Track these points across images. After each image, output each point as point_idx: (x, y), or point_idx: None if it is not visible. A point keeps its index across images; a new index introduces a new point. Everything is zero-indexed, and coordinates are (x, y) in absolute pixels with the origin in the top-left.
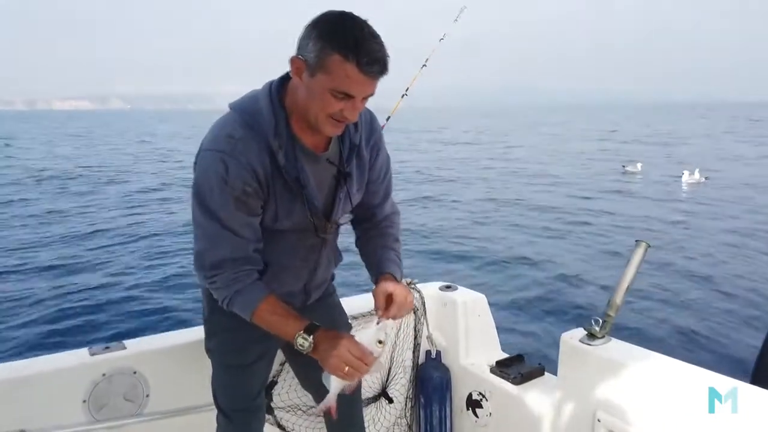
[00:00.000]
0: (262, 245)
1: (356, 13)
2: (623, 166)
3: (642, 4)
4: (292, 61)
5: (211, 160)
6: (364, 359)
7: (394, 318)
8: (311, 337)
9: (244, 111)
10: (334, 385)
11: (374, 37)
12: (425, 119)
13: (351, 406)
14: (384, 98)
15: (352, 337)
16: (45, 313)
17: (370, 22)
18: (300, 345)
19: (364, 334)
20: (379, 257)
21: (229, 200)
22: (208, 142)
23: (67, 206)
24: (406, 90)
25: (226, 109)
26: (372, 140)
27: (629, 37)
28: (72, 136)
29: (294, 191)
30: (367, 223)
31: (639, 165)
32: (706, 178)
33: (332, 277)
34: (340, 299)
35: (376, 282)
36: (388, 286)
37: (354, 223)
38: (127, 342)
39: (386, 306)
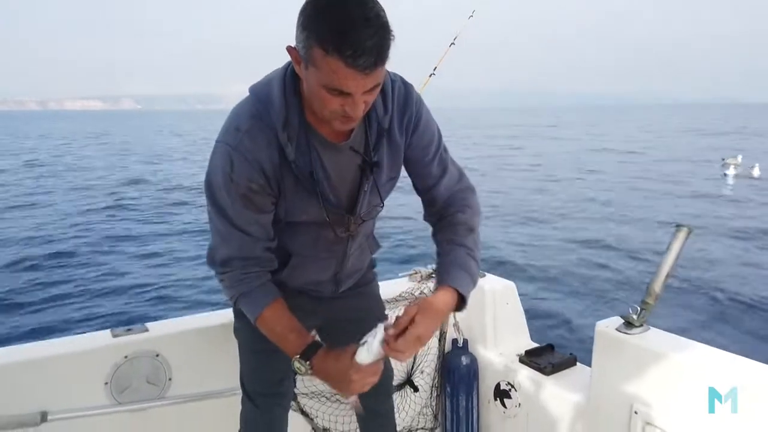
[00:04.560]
0: (275, 243)
1: None
2: (723, 159)
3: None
4: (288, 51)
5: (219, 154)
6: (369, 378)
7: (397, 353)
8: (308, 363)
9: (257, 98)
10: None
11: (367, 20)
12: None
13: (379, 395)
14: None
15: (352, 356)
16: (68, 294)
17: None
18: (297, 369)
19: (366, 352)
20: (443, 259)
21: (236, 198)
22: (220, 133)
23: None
24: (434, 69)
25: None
26: (406, 119)
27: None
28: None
29: (308, 187)
30: (433, 208)
31: (739, 158)
32: (751, 168)
33: (372, 265)
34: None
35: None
36: (417, 307)
37: (424, 209)
38: (149, 324)
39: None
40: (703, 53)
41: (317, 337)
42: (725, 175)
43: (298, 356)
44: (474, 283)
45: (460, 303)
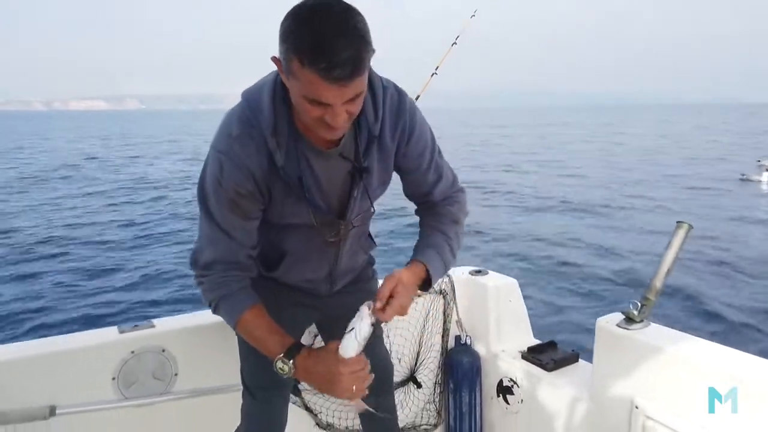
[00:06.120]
0: (256, 251)
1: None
2: (758, 161)
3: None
4: (273, 61)
5: (211, 159)
6: (357, 369)
7: (384, 320)
8: (291, 362)
9: (248, 104)
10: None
11: (343, 32)
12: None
13: (381, 391)
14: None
15: (336, 352)
16: (76, 292)
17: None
18: (280, 369)
19: (349, 345)
20: (420, 239)
21: (224, 202)
22: (213, 138)
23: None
24: (436, 68)
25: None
26: (399, 127)
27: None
28: None
29: (297, 193)
30: (424, 206)
31: None
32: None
33: (371, 262)
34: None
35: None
36: (396, 278)
37: (416, 206)
38: (155, 321)
39: (388, 298)
40: (703, 53)
41: (318, 334)
42: (759, 181)
43: (281, 355)
44: (445, 267)
45: (426, 284)
